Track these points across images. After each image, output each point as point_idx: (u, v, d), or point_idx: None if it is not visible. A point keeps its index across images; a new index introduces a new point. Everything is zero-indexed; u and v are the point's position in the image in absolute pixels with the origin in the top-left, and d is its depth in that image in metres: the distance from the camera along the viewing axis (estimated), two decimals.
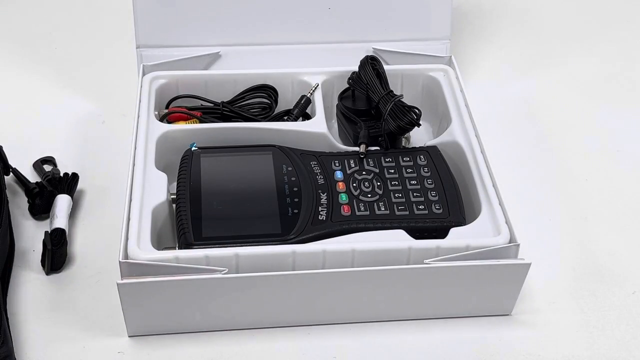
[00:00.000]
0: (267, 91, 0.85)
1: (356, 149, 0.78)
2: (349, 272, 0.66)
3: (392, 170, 0.75)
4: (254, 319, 0.69)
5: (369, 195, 0.73)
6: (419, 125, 0.78)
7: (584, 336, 0.70)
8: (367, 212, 0.71)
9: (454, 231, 0.69)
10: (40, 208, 0.79)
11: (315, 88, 0.85)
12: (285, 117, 0.84)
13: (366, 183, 0.74)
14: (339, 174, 0.75)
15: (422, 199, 0.72)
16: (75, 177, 0.81)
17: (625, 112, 0.96)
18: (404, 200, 0.72)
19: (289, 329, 0.70)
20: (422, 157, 0.77)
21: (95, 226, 0.79)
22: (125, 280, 0.64)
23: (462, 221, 0.71)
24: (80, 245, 0.77)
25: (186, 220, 0.69)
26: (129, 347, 0.68)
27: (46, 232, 0.75)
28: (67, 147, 0.87)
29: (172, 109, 0.83)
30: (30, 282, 0.73)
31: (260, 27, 0.90)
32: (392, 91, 0.80)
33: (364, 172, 0.75)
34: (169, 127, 0.80)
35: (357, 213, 0.71)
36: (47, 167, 0.84)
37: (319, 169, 0.75)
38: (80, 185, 0.82)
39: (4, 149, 0.81)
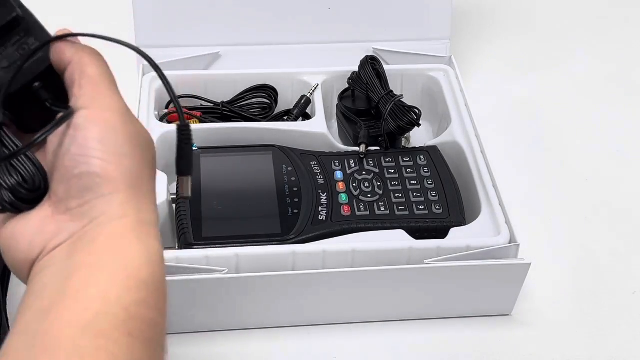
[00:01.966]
0: (267, 91, 0.85)
1: (356, 149, 0.78)
2: (349, 272, 0.66)
3: (392, 170, 0.75)
4: (254, 319, 0.69)
5: (369, 195, 0.72)
6: (419, 125, 0.78)
7: (584, 336, 0.70)
8: (367, 212, 0.71)
9: (454, 231, 0.69)
10: None
11: (315, 88, 0.85)
12: (285, 117, 0.84)
13: (366, 183, 0.74)
14: (339, 174, 0.75)
15: (422, 199, 0.72)
16: None
17: (625, 112, 0.96)
18: (404, 200, 0.72)
19: (289, 329, 0.70)
20: (422, 157, 0.77)
21: None
22: None
23: (462, 221, 0.71)
24: None
25: (186, 220, 0.69)
26: None
27: None
28: None
29: (172, 109, 0.83)
30: None
31: (260, 27, 0.90)
32: (392, 91, 0.80)
33: (364, 172, 0.75)
34: (169, 127, 0.80)
35: (357, 213, 0.71)
36: None
37: (319, 169, 0.75)
38: None
39: None
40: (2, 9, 0.46)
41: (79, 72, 0.45)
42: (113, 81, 0.46)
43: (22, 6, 0.48)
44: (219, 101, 0.84)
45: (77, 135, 0.42)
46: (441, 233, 0.69)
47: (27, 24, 0.48)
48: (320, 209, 0.71)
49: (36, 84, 0.46)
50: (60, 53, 0.46)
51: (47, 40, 0.47)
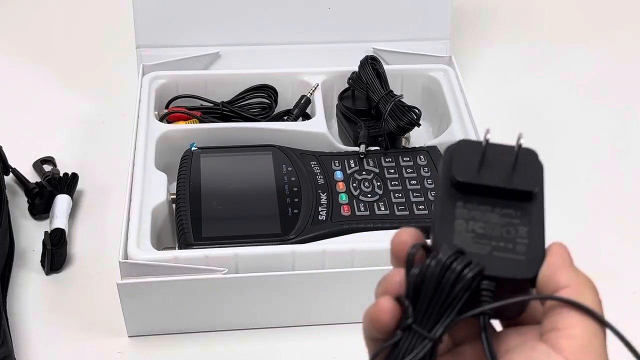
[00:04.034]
0: (267, 91, 0.85)
1: (356, 149, 0.78)
2: (349, 272, 0.66)
3: (392, 170, 0.75)
4: (254, 319, 0.69)
5: (369, 195, 0.72)
6: (419, 125, 0.78)
7: None
8: (367, 212, 0.71)
9: None
10: (40, 208, 0.79)
11: (315, 88, 0.85)
12: (285, 117, 0.84)
13: (366, 183, 0.74)
14: (339, 174, 0.74)
15: (422, 199, 0.72)
16: (75, 177, 0.81)
17: (625, 112, 0.96)
18: (404, 200, 0.72)
19: (289, 329, 0.70)
20: (422, 157, 0.77)
21: (95, 226, 0.79)
22: (125, 281, 0.64)
23: None
24: (80, 245, 0.77)
25: (186, 220, 0.69)
26: (129, 347, 0.68)
27: (46, 232, 0.75)
28: (67, 147, 0.87)
29: (172, 109, 0.83)
30: (30, 282, 0.73)
31: (260, 27, 0.90)
32: (392, 91, 0.80)
33: (364, 172, 0.75)
34: (169, 127, 0.80)
35: (357, 213, 0.71)
36: (47, 167, 0.84)
37: (319, 169, 0.75)
38: (80, 185, 0.82)
39: (4, 149, 0.81)
40: (531, 172, 0.40)
41: (565, 318, 0.36)
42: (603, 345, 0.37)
43: (541, 186, 0.40)
44: (219, 101, 0.84)
45: None
46: None
47: (536, 209, 0.39)
48: (320, 209, 0.71)
49: (486, 283, 0.37)
50: (556, 271, 0.38)
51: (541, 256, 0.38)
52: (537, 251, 0.38)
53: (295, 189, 0.72)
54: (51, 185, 0.80)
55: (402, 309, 0.36)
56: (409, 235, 0.39)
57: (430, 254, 0.37)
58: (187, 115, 0.82)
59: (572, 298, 0.36)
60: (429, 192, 0.73)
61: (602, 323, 0.36)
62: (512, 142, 0.96)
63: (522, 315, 0.39)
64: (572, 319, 0.36)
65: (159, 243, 0.70)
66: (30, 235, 0.78)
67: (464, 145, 0.41)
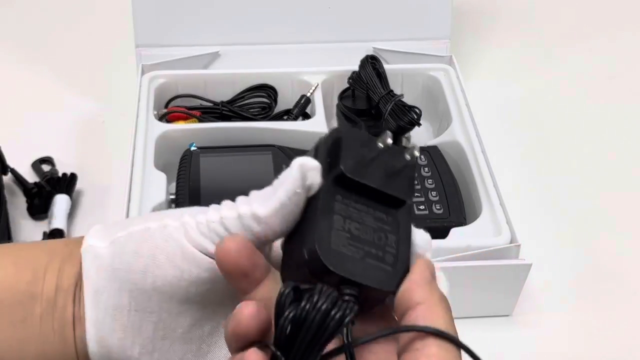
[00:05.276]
0: (267, 91, 0.85)
1: None
2: None
3: None
4: None
5: None
6: (419, 124, 0.78)
7: (584, 336, 0.70)
8: None
9: (454, 231, 0.69)
10: (39, 208, 0.79)
11: (315, 88, 0.84)
12: (285, 117, 0.84)
13: None
14: None
15: (423, 199, 0.72)
16: (73, 177, 0.81)
17: (625, 111, 0.95)
18: None
19: None
20: (422, 157, 0.76)
21: None
22: None
23: (462, 221, 0.70)
24: None
25: None
26: None
27: (45, 232, 0.75)
28: (66, 147, 0.87)
29: (171, 109, 0.83)
30: None
31: (260, 27, 0.90)
32: (392, 91, 0.80)
33: None
34: (168, 127, 0.80)
35: None
36: (46, 167, 0.84)
37: None
38: (78, 185, 0.81)
39: (2, 149, 0.80)
40: (408, 180, 0.39)
41: (421, 337, 0.37)
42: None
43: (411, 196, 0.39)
44: (219, 101, 0.83)
45: None
46: (442, 233, 0.69)
47: (404, 219, 0.39)
48: None
49: (350, 287, 0.36)
50: (412, 288, 0.38)
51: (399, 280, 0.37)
52: (402, 264, 0.38)
53: None
54: (50, 185, 0.80)
55: (272, 358, 0.35)
56: (234, 243, 0.38)
57: (305, 294, 0.35)
58: (186, 114, 0.82)
59: (425, 315, 0.37)
60: (429, 192, 0.73)
61: (455, 343, 0.36)
62: (511, 143, 0.96)
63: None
64: (427, 338, 0.36)
65: None
66: (28, 235, 0.77)
67: (354, 135, 0.39)
